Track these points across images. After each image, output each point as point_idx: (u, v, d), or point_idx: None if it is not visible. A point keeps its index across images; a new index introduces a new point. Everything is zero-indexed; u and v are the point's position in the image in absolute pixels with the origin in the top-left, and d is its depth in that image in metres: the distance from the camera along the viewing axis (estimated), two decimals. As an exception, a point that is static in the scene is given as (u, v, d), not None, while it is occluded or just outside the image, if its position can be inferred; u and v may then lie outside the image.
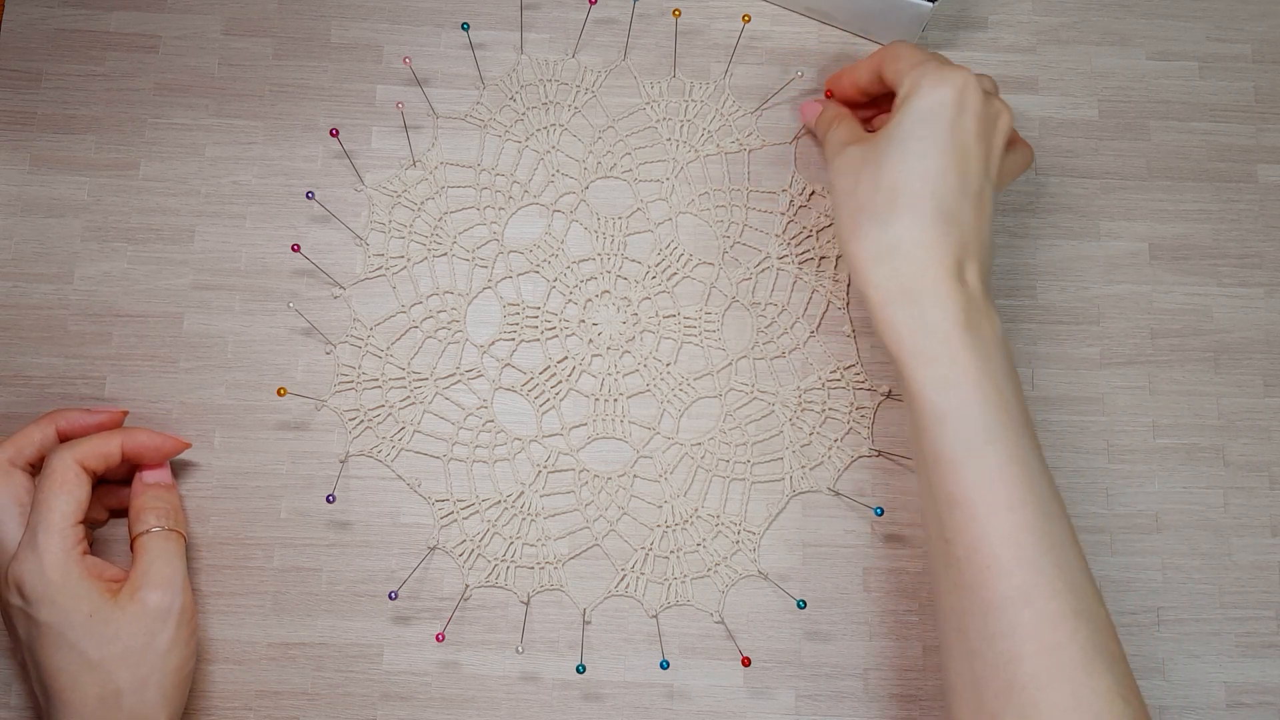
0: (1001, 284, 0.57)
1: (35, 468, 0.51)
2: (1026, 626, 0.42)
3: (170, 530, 0.51)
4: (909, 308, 0.45)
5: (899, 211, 0.45)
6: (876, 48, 0.59)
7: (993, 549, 0.43)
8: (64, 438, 0.52)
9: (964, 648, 0.44)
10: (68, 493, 0.48)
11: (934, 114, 0.46)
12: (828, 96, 0.55)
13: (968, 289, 0.45)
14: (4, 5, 0.59)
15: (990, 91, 0.48)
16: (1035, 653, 0.42)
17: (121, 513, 0.54)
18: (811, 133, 0.58)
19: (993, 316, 0.46)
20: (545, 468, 0.55)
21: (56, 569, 0.47)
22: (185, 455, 0.55)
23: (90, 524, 0.52)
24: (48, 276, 0.56)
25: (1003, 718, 0.42)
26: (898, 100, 0.48)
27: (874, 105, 0.55)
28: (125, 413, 0.54)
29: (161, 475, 0.52)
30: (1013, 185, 0.57)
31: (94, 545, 0.53)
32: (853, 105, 0.54)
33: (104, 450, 0.50)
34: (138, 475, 0.52)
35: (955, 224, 0.46)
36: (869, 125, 0.55)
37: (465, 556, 0.54)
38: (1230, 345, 0.57)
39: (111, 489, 0.53)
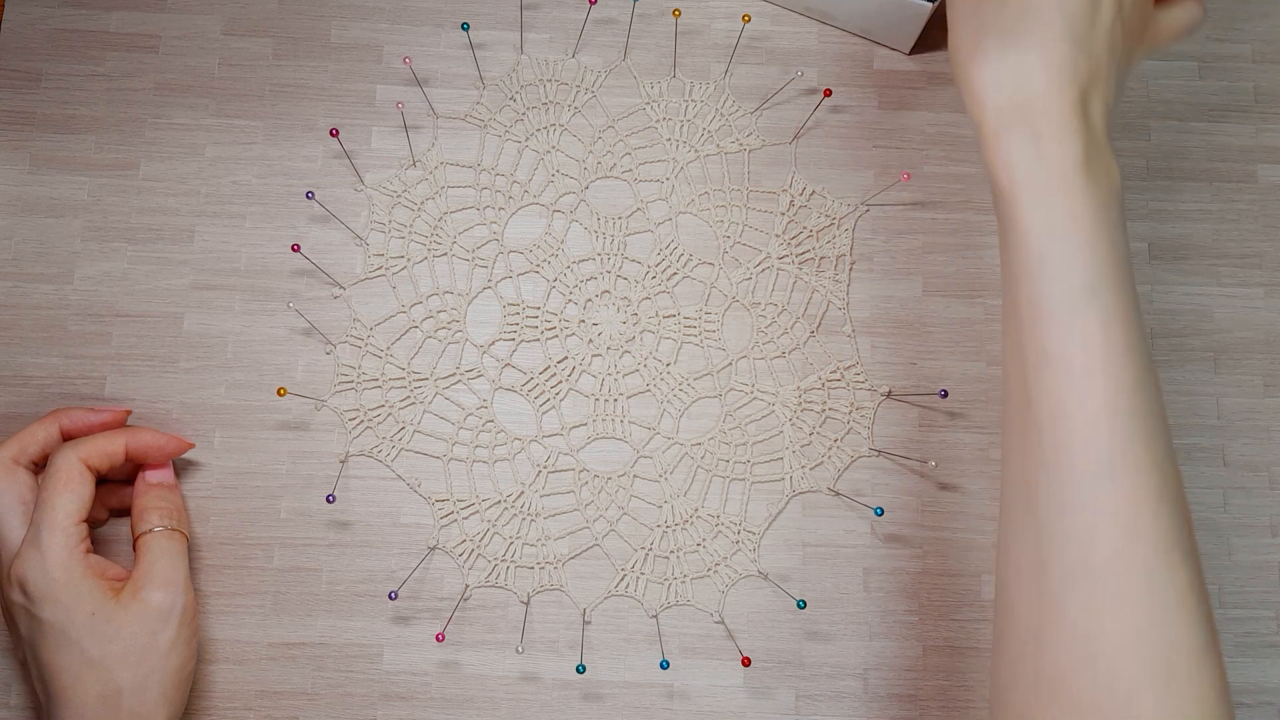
0: (1000, 283, 0.57)
1: (39, 466, 0.51)
2: (1108, 502, 0.38)
3: (173, 530, 0.51)
4: (1027, 137, 0.40)
5: (1028, 29, 0.40)
6: (880, 49, 0.59)
7: (1082, 413, 0.39)
8: (68, 436, 0.52)
9: (1030, 522, 0.40)
10: (72, 491, 0.48)
11: None
12: None
13: (1091, 127, 0.41)
14: (4, 5, 0.59)
15: None
16: (1114, 533, 0.38)
17: (122, 512, 0.54)
18: None
19: (1112, 165, 0.41)
20: (545, 468, 0.55)
21: (59, 567, 0.47)
22: (186, 455, 0.55)
23: (91, 523, 0.52)
24: (48, 276, 0.56)
25: (1065, 602, 0.38)
26: None
27: None
28: (129, 412, 0.54)
29: (164, 475, 0.53)
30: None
31: (96, 544, 0.53)
32: None
33: (108, 449, 0.50)
34: (141, 475, 0.52)
35: (1085, 51, 0.41)
36: None
37: (465, 556, 0.54)
38: (1230, 345, 0.57)
39: (113, 489, 0.53)
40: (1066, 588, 0.39)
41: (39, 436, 0.51)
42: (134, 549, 0.51)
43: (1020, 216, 0.40)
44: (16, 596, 0.48)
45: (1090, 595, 0.38)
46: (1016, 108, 0.40)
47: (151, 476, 0.52)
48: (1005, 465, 0.42)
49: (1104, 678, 0.38)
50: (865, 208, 0.58)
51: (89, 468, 0.49)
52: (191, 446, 0.53)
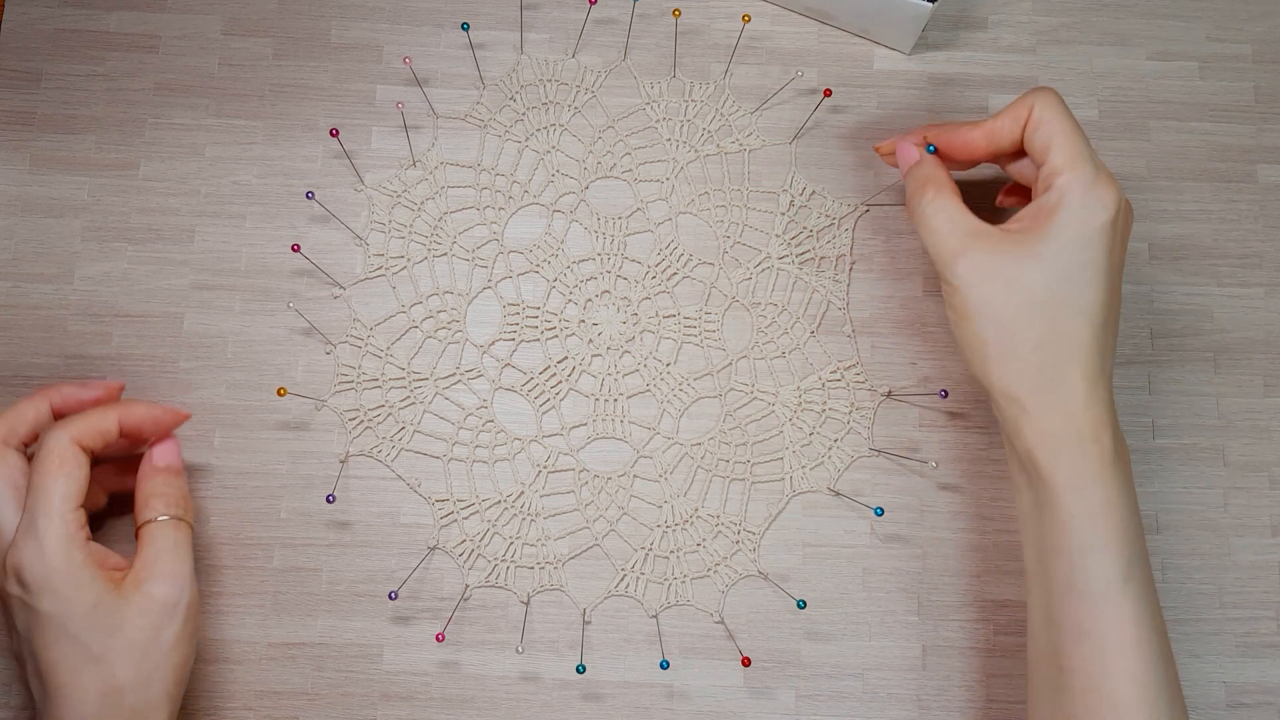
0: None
1: (29, 447, 0.49)
2: None
3: (178, 519, 0.49)
4: (1071, 445, 0.44)
5: (1073, 352, 0.45)
6: (880, 49, 0.59)
7: (1115, 686, 0.43)
8: (59, 415, 0.50)
9: None
10: (66, 474, 0.46)
11: (1098, 237, 0.45)
12: (922, 141, 0.50)
13: (1113, 415, 0.45)
14: (4, 5, 0.59)
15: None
16: None
17: (121, 497, 0.52)
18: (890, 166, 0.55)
19: (1123, 440, 0.46)
20: (545, 468, 0.55)
21: (59, 555, 0.45)
22: (186, 455, 0.54)
23: (89, 509, 0.50)
24: (48, 276, 0.56)
25: None
26: (1051, 203, 0.45)
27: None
28: (122, 386, 0.52)
29: (171, 458, 0.50)
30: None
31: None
32: (961, 159, 0.50)
33: (101, 427, 0.48)
34: (146, 457, 0.50)
35: (1111, 351, 0.46)
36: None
37: (465, 556, 0.54)
38: (1230, 345, 0.57)
39: (110, 469, 0.52)
40: None
41: (28, 416, 0.49)
42: (136, 537, 0.49)
43: (1065, 507, 0.44)
44: (12, 588, 0.46)
45: None
46: (1063, 423, 0.44)
47: (159, 459, 0.50)
48: (1033, 713, 0.47)
49: None
50: (865, 208, 0.58)
51: (82, 448, 0.47)
52: (187, 418, 0.51)
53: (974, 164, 0.51)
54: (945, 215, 0.47)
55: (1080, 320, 0.45)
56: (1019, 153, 0.49)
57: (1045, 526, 0.45)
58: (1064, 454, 0.44)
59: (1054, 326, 0.44)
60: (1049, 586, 0.45)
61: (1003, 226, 0.47)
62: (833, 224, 0.57)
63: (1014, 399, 0.45)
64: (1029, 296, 0.44)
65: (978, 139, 0.48)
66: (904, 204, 0.50)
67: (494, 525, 0.54)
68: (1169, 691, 0.44)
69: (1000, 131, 0.48)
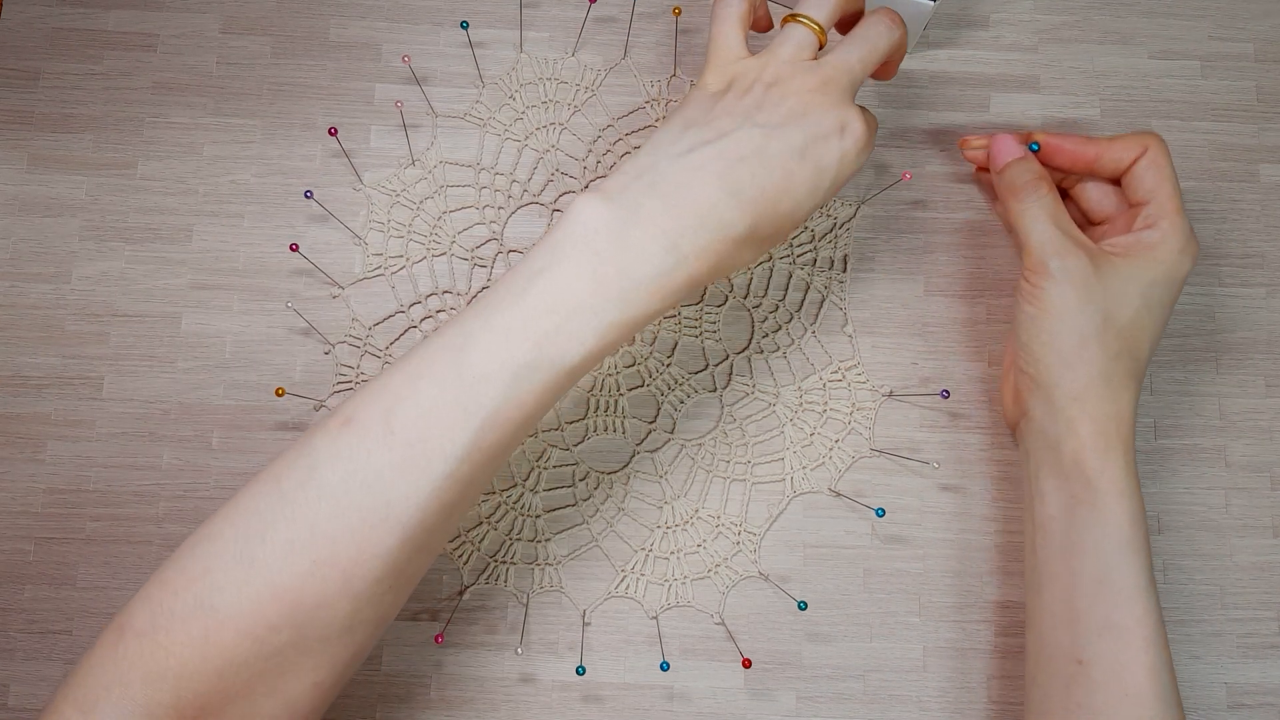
0: (1003, 283, 0.57)
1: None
2: None
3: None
4: (1118, 450, 0.47)
5: (1134, 369, 0.48)
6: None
7: (1136, 678, 0.45)
8: None
9: None
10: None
11: (1177, 281, 0.49)
12: (1026, 139, 0.52)
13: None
14: (2, 4, 0.59)
15: None
16: None
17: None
18: (981, 168, 0.56)
19: None
20: (542, 466, 0.55)
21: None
22: (183, 457, 0.54)
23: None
24: (45, 276, 0.56)
25: None
26: (1151, 241, 0.49)
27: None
28: None
29: None
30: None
31: (82, 543, 0.53)
32: (1060, 167, 0.53)
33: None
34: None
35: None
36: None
37: (463, 556, 0.54)
38: (1232, 345, 0.56)
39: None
40: None
41: None
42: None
43: (1106, 503, 0.47)
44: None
45: None
46: (1118, 431, 0.48)
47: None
48: (1038, 711, 0.48)
49: None
50: (865, 207, 0.57)
51: None
52: None
53: (1066, 174, 0.53)
54: (1055, 213, 0.49)
55: (1148, 345, 0.49)
56: (1104, 178, 0.52)
57: (1078, 527, 0.47)
58: (1112, 457, 0.47)
59: (1129, 344, 0.48)
60: (1074, 585, 0.47)
61: (1100, 245, 0.49)
62: (833, 224, 0.57)
63: (1078, 400, 0.48)
64: (1118, 313, 0.48)
65: (1089, 154, 0.51)
66: (998, 190, 0.51)
67: (491, 524, 0.54)
68: (1175, 684, 0.46)
69: (1111, 155, 0.51)
